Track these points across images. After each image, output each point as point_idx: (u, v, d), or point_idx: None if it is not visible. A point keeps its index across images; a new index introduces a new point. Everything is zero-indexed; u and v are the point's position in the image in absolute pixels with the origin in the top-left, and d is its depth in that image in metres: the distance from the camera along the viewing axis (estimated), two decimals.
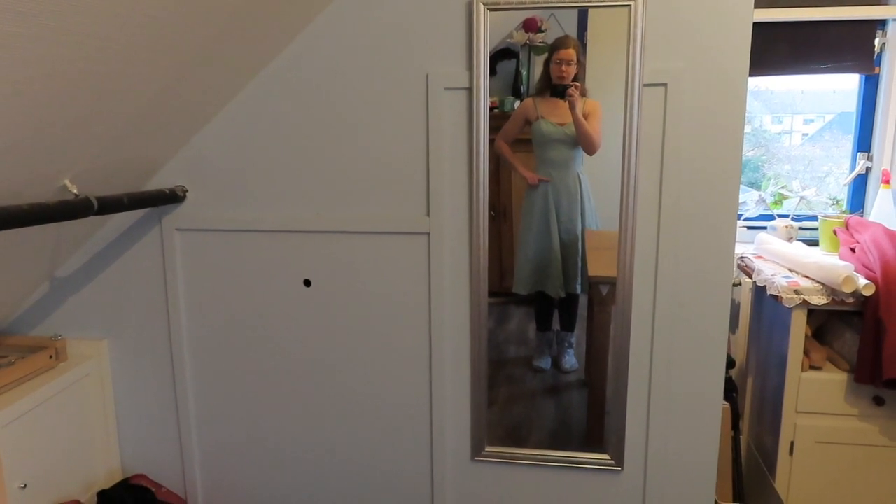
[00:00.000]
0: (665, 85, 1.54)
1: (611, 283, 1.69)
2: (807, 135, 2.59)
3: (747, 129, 2.50)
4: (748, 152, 2.53)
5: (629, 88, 1.54)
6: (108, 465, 1.96)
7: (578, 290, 1.84)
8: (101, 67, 1.19)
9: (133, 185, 1.75)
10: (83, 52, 1.11)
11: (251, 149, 1.76)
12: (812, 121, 2.58)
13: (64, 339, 1.87)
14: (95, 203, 1.42)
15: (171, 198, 1.76)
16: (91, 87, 1.23)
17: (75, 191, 1.45)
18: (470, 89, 1.61)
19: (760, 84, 2.50)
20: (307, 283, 1.81)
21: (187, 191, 1.80)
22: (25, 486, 1.62)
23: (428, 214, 1.71)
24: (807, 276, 1.81)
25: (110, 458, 1.97)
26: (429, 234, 1.71)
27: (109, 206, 1.49)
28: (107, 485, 1.90)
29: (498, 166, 1.80)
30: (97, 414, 1.91)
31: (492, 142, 1.67)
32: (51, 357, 1.80)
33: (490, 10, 1.57)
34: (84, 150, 1.41)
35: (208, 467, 1.98)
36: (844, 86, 2.39)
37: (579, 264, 1.81)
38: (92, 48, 1.12)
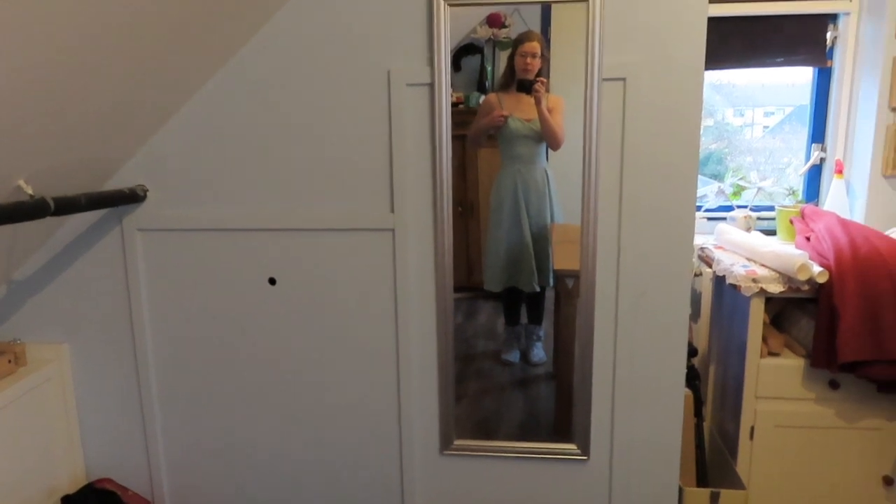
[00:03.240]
0: (623, 79, 1.56)
1: (575, 275, 1.71)
2: (767, 127, 2.65)
3: (710, 122, 2.55)
4: (711, 145, 2.58)
5: (589, 83, 1.56)
6: (72, 471, 1.93)
7: (549, 284, 1.86)
8: (56, 65, 1.17)
9: (92, 185, 1.71)
10: (37, 50, 1.09)
11: (212, 147, 1.74)
12: (772, 113, 2.64)
13: (23, 343, 1.83)
14: (52, 204, 1.39)
15: (131, 198, 1.73)
16: (46, 86, 1.20)
17: (30, 191, 1.42)
18: (432, 85, 1.61)
19: (722, 78, 2.54)
20: (272, 281, 1.80)
21: (148, 190, 1.77)
22: None
23: (392, 211, 1.71)
24: (764, 265, 1.86)
25: (74, 463, 1.93)
26: (393, 230, 1.71)
27: (66, 206, 1.46)
28: (71, 490, 1.87)
29: (464, 161, 1.81)
30: (59, 419, 1.87)
31: (455, 137, 1.66)
32: (10, 362, 1.76)
33: (451, 5, 1.57)
34: (39, 150, 1.38)
35: (175, 469, 1.95)
36: (801, 79, 2.45)
37: (550, 258, 1.83)
38: (47, 45, 1.10)
